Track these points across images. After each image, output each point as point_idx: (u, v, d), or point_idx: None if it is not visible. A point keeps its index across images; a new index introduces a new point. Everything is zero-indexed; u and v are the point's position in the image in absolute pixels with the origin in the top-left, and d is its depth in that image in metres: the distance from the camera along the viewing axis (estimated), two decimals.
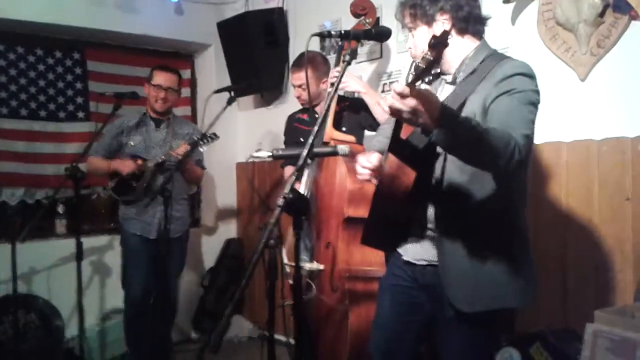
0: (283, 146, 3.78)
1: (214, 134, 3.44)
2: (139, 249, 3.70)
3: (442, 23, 1.94)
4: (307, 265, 2.93)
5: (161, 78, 3.70)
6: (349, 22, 3.59)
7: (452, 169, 1.88)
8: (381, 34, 2.19)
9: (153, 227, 3.64)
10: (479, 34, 1.99)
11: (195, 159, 3.66)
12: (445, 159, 1.89)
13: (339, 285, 2.78)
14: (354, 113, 3.33)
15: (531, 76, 1.85)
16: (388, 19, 3.55)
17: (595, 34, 2.73)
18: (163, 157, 3.55)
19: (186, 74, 4.99)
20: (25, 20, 3.98)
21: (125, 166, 3.59)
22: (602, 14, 2.69)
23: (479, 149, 1.65)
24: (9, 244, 3.30)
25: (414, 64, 1.54)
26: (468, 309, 1.88)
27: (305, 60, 3.03)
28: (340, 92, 3.23)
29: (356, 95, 3.27)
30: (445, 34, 1.55)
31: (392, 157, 1.86)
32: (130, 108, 3.78)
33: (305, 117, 3.60)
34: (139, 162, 3.59)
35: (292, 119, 3.70)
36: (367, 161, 2.01)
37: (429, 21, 1.95)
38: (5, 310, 3.57)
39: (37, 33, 4.22)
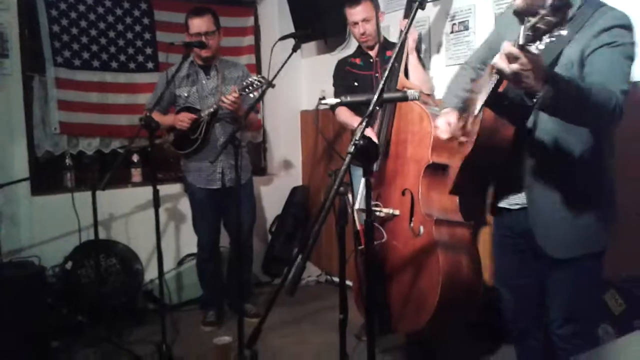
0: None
1: (263, 77, 3.40)
2: (203, 200, 3.82)
3: None
4: (384, 210, 2.97)
5: (197, 24, 3.65)
6: None
7: (544, 120, 1.89)
8: None
9: (215, 177, 3.73)
10: None
11: (247, 103, 3.61)
12: (538, 111, 1.89)
13: (421, 229, 2.82)
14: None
15: (630, 28, 1.82)
16: None
17: None
18: (215, 106, 3.58)
19: (249, 21, 4.98)
20: None
21: (181, 122, 3.66)
22: None
23: (582, 111, 1.68)
24: (89, 191, 3.47)
25: (529, 24, 1.46)
26: (563, 255, 1.94)
27: None
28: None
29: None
30: None
31: (488, 111, 1.87)
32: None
33: (358, 61, 3.60)
34: (193, 115, 3.65)
35: (343, 63, 3.69)
36: (447, 124, 2.10)
37: None
38: (87, 254, 3.79)
39: None
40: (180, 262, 4.34)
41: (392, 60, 2.01)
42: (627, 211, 2.73)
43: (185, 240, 4.31)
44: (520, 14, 2.02)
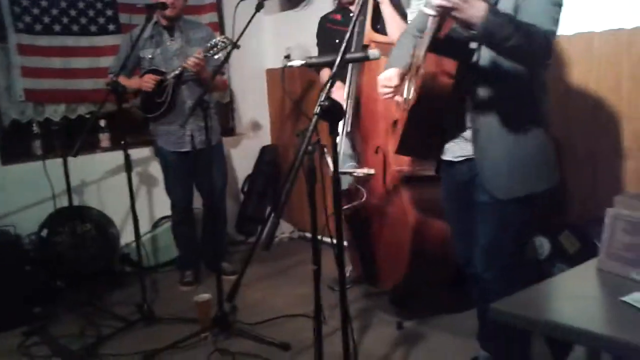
0: (313, 49, 3.77)
1: (227, 38, 3.39)
2: (174, 163, 3.86)
3: None
4: (358, 170, 3.03)
5: None
6: None
7: (484, 61, 1.99)
8: None
9: (185, 140, 3.75)
10: None
11: (212, 65, 3.63)
12: (478, 53, 1.99)
13: (392, 186, 2.89)
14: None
15: None
16: None
17: None
18: (180, 69, 3.59)
19: None
20: None
21: (146, 82, 3.66)
22: None
23: (517, 42, 1.77)
24: (59, 158, 3.50)
25: None
26: (505, 196, 2.04)
27: None
28: None
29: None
30: None
31: (431, 57, 1.93)
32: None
33: (338, 17, 3.55)
34: (157, 77, 3.65)
35: (324, 20, 3.65)
36: (387, 80, 2.15)
37: None
38: (62, 221, 3.83)
39: None
40: (155, 225, 4.40)
41: (354, 17, 2.04)
42: (577, 154, 2.92)
43: (159, 203, 4.36)
44: None
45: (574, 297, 1.38)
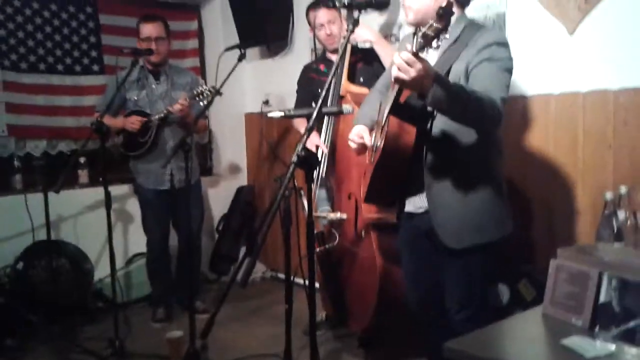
0: (291, 96, 3.90)
1: (212, 87, 3.52)
2: (153, 201, 3.97)
3: None
4: (331, 215, 3.15)
5: (147, 30, 3.80)
6: None
7: (439, 124, 2.14)
8: (381, 4, 2.34)
9: (165, 179, 3.79)
10: (466, 4, 2.22)
11: (196, 109, 3.75)
12: (434, 116, 2.15)
13: (364, 233, 3.00)
14: (367, 64, 3.43)
15: (506, 45, 2.11)
16: None
17: None
18: (165, 112, 3.73)
19: (193, 25, 5.08)
20: None
21: (132, 124, 3.80)
22: None
23: (467, 110, 1.93)
24: (36, 193, 3.58)
25: (420, 32, 1.72)
26: (457, 246, 2.18)
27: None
28: (353, 43, 3.35)
29: (367, 45, 3.35)
30: (450, 5, 1.68)
31: (393, 119, 2.09)
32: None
33: (322, 67, 3.65)
34: (143, 118, 3.79)
35: (308, 69, 3.76)
36: (359, 138, 2.31)
37: None
38: (37, 255, 3.87)
39: None
40: (129, 261, 4.45)
41: (332, 71, 2.19)
42: (535, 208, 3.10)
43: (133, 239, 4.43)
44: (416, 26, 2.21)
45: (521, 338, 1.53)
